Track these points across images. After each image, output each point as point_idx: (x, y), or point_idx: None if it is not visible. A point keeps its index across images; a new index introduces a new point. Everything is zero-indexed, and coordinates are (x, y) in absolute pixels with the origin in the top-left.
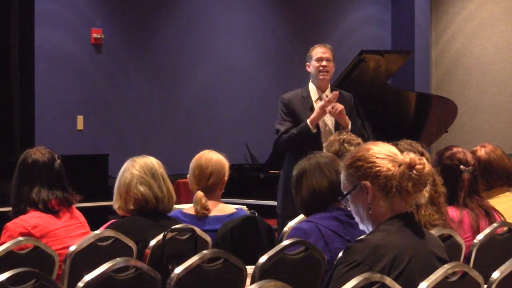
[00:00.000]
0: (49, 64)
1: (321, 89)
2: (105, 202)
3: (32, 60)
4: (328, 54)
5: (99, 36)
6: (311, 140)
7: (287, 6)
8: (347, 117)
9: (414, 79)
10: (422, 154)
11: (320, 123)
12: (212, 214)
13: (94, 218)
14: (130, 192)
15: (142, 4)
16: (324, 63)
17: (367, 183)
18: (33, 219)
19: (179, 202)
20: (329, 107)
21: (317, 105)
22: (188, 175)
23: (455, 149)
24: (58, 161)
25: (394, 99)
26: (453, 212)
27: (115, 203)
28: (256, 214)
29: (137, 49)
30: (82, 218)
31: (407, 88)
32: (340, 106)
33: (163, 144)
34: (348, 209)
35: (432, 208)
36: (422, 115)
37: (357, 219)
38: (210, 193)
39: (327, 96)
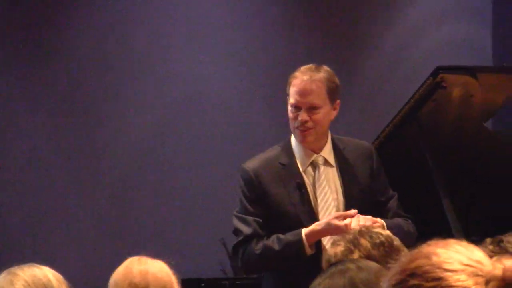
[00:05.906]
0: None
1: (312, 149)
2: None
3: None
4: (312, 97)
5: None
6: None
7: None
8: (379, 219)
9: None
10: None
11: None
12: None
13: None
14: None
15: None
16: (302, 116)
17: None
18: None
19: None
20: (348, 224)
21: (323, 218)
22: None
23: None
24: None
25: (498, 154)
26: None
27: None
28: None
29: (25, 65)
30: None
31: None
32: (366, 219)
33: (71, 241)
34: None
35: None
36: None
37: None
38: None
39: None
